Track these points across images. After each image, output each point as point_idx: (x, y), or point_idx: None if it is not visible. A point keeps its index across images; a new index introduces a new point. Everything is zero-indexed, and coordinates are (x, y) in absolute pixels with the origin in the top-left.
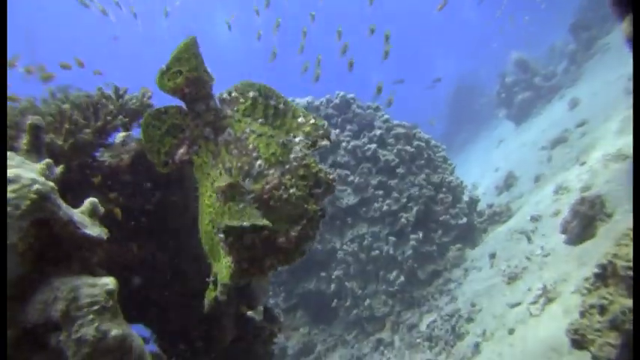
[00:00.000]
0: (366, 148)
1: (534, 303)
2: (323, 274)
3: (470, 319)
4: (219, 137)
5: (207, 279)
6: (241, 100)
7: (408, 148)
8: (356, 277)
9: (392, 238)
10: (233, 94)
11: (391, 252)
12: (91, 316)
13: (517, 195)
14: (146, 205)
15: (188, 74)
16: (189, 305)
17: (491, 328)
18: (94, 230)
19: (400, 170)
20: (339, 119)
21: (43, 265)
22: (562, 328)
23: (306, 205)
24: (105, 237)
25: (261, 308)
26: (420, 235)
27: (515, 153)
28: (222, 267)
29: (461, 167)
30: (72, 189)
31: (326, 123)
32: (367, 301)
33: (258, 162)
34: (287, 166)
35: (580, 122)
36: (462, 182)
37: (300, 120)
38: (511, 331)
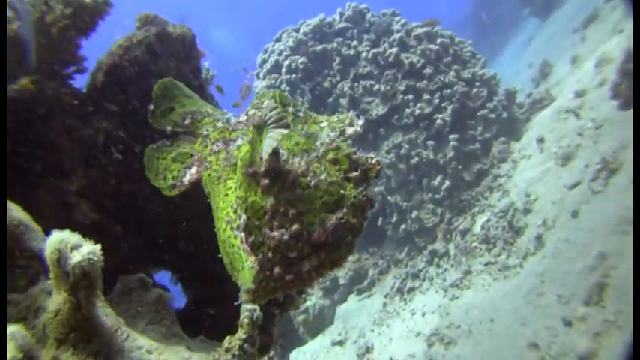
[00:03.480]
0: (387, 54)
1: (595, 179)
2: None
3: (527, 211)
4: (230, 147)
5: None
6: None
7: (432, 46)
8: (399, 190)
9: (430, 143)
10: (250, 113)
11: (431, 157)
12: None
13: (555, 82)
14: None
15: (180, 110)
16: (181, 237)
17: (552, 215)
18: None
19: (427, 70)
20: (355, 31)
21: None
22: (632, 197)
23: (342, 191)
24: None
25: None
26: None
27: (547, 44)
28: (245, 271)
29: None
30: (44, 116)
31: (351, 113)
32: (414, 214)
33: (280, 152)
34: (313, 154)
35: None
36: (495, 74)
37: (322, 124)
38: (574, 214)
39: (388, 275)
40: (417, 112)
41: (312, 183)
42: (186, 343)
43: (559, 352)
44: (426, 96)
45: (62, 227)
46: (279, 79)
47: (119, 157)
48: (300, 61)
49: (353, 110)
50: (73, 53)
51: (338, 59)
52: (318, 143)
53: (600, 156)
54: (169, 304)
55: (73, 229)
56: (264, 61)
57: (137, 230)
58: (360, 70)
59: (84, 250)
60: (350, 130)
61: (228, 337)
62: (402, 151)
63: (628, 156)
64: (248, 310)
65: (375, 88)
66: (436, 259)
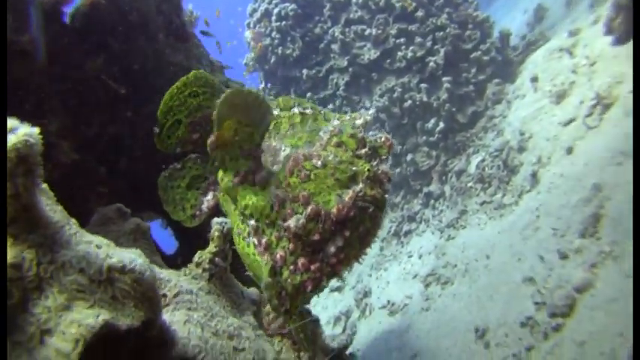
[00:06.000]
0: None
1: (590, 115)
2: None
3: (521, 149)
4: None
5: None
6: None
7: None
8: (393, 134)
9: (424, 85)
10: None
11: (425, 99)
12: None
13: (550, 25)
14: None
15: (188, 119)
16: None
17: (547, 152)
18: None
19: (419, 14)
20: None
21: None
22: (628, 129)
23: (354, 167)
24: None
25: None
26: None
27: None
28: (262, 271)
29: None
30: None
31: (363, 111)
32: (409, 157)
33: (283, 148)
34: (318, 143)
35: None
36: (488, 17)
37: (334, 122)
38: (569, 150)
39: (384, 219)
40: (410, 55)
41: (319, 163)
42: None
43: (555, 285)
44: (418, 39)
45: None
46: (269, 27)
47: (103, 99)
48: (290, 8)
49: (345, 56)
50: None
51: (328, 5)
52: (321, 133)
53: (594, 91)
54: (148, 233)
55: (54, 169)
56: (255, 10)
57: (124, 173)
58: (351, 16)
59: (20, 131)
60: (358, 122)
61: (199, 252)
62: (395, 95)
63: (622, 90)
64: (218, 223)
65: (366, 32)
66: (432, 201)
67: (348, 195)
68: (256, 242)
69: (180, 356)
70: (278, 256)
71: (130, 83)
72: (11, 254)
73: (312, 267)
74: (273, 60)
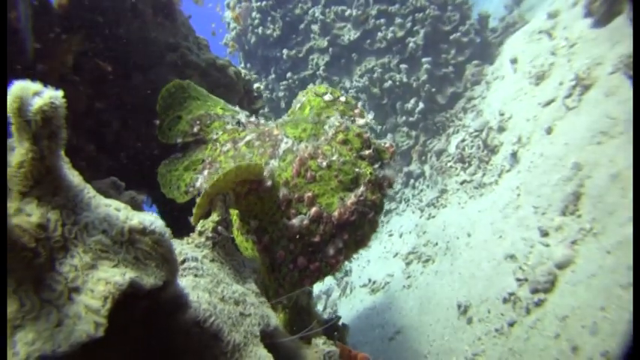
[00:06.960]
0: None
1: (569, 96)
2: None
3: (501, 129)
4: (238, 144)
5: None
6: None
7: None
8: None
9: (403, 66)
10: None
11: (405, 80)
12: None
13: (528, 7)
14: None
15: (188, 116)
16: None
17: (527, 132)
18: None
19: None
20: None
21: None
22: (607, 109)
23: (357, 169)
24: None
25: None
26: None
27: None
28: (260, 269)
29: None
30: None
31: (357, 102)
32: (389, 137)
33: (285, 141)
34: (322, 137)
35: None
36: None
37: (327, 97)
38: (549, 130)
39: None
40: (390, 35)
41: (324, 164)
42: None
43: (536, 262)
44: (398, 20)
45: None
46: (249, 8)
47: (90, 76)
48: None
49: (325, 36)
50: None
51: None
52: (326, 127)
53: (574, 73)
54: (142, 206)
55: None
56: None
57: (111, 150)
58: None
59: (45, 94)
60: (360, 122)
61: (201, 222)
62: (375, 75)
63: (602, 72)
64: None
65: (346, 13)
66: (412, 181)
67: (350, 200)
68: (256, 239)
69: (192, 319)
70: (278, 254)
71: (117, 61)
72: (37, 215)
73: (312, 266)
74: (253, 40)
